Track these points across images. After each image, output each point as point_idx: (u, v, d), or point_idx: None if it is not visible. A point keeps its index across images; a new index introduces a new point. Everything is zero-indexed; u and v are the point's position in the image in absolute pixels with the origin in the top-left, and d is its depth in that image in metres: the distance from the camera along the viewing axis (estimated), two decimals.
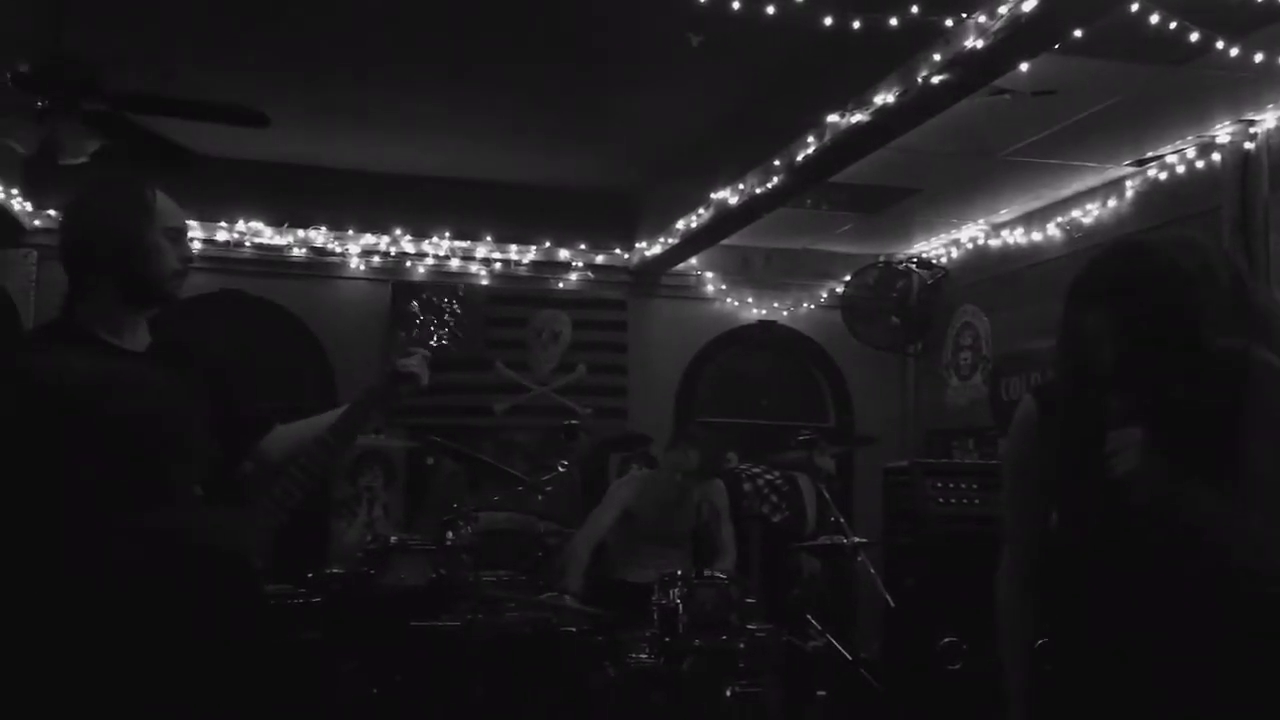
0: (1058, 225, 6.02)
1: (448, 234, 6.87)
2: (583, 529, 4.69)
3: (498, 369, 6.90)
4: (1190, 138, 5.04)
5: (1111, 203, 5.64)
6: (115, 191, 2.19)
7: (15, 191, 6.03)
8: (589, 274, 7.15)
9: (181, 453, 2.11)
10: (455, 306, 2.69)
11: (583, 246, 7.09)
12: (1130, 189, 5.52)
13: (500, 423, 6.84)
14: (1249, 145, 4.79)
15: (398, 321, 6.70)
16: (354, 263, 6.79)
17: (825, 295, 7.47)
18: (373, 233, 6.77)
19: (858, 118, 4.55)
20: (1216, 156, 4.94)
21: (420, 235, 6.84)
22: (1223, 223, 4.87)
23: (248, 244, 6.56)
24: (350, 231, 6.74)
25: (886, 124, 4.56)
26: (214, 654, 1.98)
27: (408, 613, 4.05)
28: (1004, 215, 6.44)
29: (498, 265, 7.01)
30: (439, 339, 2.54)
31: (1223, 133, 4.88)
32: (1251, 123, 4.76)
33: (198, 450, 2.14)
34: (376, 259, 6.82)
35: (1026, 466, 2.02)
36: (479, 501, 4.45)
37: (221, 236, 6.50)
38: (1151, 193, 5.39)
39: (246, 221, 6.51)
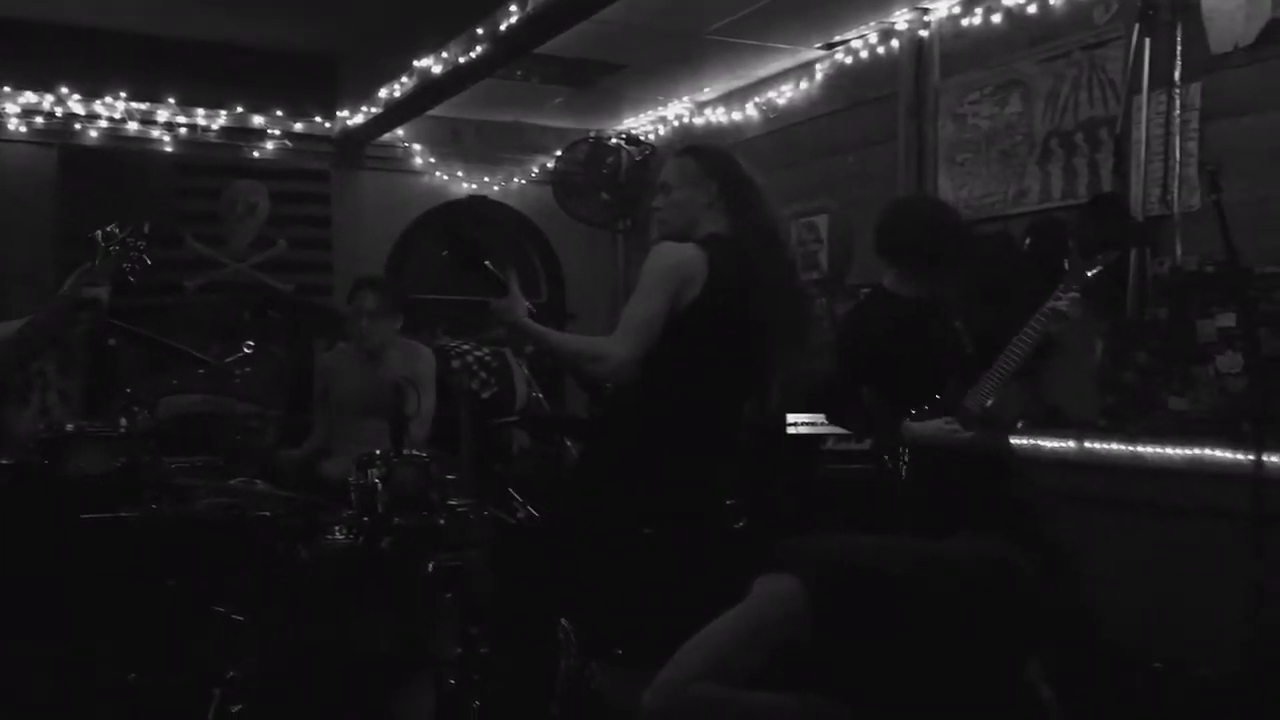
0: (755, 105, 6.22)
1: (124, 94, 6.27)
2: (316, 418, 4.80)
3: (188, 243, 6.47)
4: (873, 23, 5.28)
5: (803, 85, 5.86)
6: None
7: None
8: (287, 143, 6.76)
9: None
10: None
11: (280, 113, 6.67)
12: (819, 72, 5.75)
13: (193, 301, 6.45)
14: (923, 33, 5.09)
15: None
16: (13, 123, 6.09)
17: (537, 170, 7.44)
18: (34, 90, 6.08)
19: None
20: (895, 43, 5.22)
21: (91, 95, 6.20)
22: (899, 107, 5.19)
23: None
24: (6, 89, 6.02)
25: None
26: None
27: (85, 505, 3.79)
28: (707, 94, 6.57)
29: (184, 131, 6.49)
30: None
31: (901, 20, 5.15)
32: (926, 10, 5.05)
33: None
34: (40, 120, 6.15)
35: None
36: (160, 385, 4.20)
37: None
38: (838, 76, 5.64)
39: None
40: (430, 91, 5.92)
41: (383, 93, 6.16)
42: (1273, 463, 3.00)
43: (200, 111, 6.47)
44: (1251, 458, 3.23)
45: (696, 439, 2.99)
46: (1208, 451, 3.89)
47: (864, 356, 3.47)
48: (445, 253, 2.88)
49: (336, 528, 3.57)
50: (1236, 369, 3.87)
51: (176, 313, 6.22)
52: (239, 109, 6.56)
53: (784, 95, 6.00)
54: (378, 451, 3.65)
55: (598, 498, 3.10)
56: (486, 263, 2.86)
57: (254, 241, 6.66)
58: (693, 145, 3.25)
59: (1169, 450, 4.02)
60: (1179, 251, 4.03)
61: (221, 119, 6.54)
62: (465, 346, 5.97)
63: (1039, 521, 3.53)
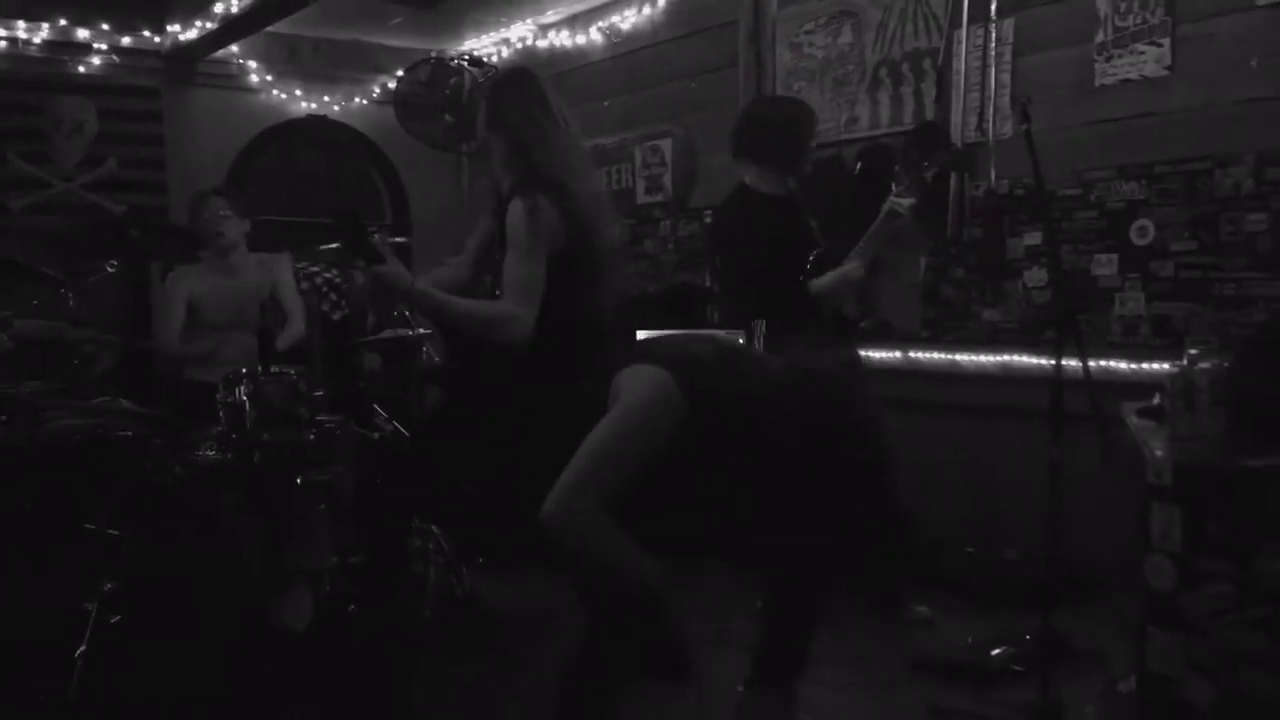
0: (599, 29, 6.32)
1: None
2: (158, 337, 4.70)
3: (11, 161, 6.18)
4: None
5: (646, 10, 5.98)
6: None
7: None
8: (115, 58, 6.48)
9: None
10: None
11: (105, 26, 6.39)
12: None
13: (22, 222, 6.18)
14: None
15: None
16: None
17: (378, 90, 7.35)
18: None
19: None
20: None
21: None
22: (740, 35, 5.40)
23: None
24: None
25: None
26: None
27: None
28: (551, 17, 6.62)
29: (3, 44, 6.15)
30: None
31: None
32: None
33: None
34: None
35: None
36: (17, 306, 4.08)
37: None
38: (681, 2, 5.80)
39: None
40: (267, 7, 5.79)
41: (217, 7, 5.99)
42: (1071, 366, 3.39)
43: (20, 24, 6.14)
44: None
45: (567, 357, 3.19)
46: (1016, 357, 4.33)
47: (738, 248, 3.77)
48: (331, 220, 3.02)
49: (205, 444, 3.61)
50: (1042, 283, 4.31)
51: (5, 234, 5.96)
52: (62, 22, 6.25)
53: (627, 20, 6.12)
54: (244, 370, 3.69)
55: (469, 412, 3.28)
56: (373, 234, 3.02)
57: (82, 160, 6.40)
58: (486, 90, 3.37)
59: (982, 357, 4.46)
60: (993, 176, 4.42)
61: (44, 32, 6.22)
62: (314, 268, 5.95)
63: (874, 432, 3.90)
